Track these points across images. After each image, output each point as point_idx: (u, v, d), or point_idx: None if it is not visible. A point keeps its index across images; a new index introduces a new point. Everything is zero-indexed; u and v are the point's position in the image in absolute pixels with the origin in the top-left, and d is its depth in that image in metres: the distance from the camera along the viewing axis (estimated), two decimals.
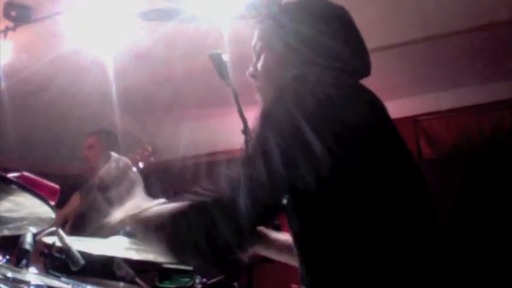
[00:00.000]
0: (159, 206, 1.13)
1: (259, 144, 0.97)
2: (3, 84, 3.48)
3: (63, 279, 1.44)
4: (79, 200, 3.03)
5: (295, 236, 1.06)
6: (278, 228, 1.52)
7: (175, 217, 1.01)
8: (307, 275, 1.01)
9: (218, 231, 0.94)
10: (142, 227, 1.08)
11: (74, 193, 3.08)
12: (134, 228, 1.07)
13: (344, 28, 1.19)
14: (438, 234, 1.03)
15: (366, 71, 1.21)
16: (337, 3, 1.23)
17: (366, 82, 1.19)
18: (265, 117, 1.01)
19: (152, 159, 2.73)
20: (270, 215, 1.04)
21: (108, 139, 3.17)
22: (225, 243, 0.95)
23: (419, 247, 0.96)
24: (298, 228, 1.04)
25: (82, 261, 1.57)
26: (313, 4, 1.22)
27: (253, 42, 1.28)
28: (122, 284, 1.87)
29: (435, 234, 1.02)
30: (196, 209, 0.98)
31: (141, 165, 2.76)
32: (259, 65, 1.25)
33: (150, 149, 2.75)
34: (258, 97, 1.26)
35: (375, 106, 1.08)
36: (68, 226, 2.88)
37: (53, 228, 1.57)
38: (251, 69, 1.28)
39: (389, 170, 0.99)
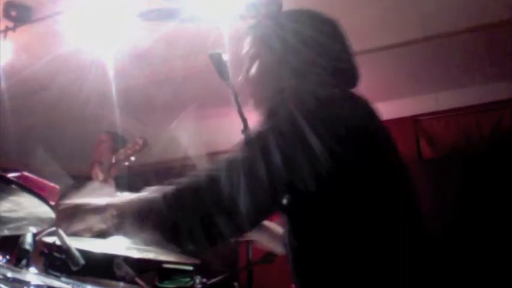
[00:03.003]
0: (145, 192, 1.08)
1: (259, 143, 0.98)
2: (3, 84, 3.48)
3: (63, 279, 1.44)
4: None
5: (289, 236, 1.06)
6: None
7: (170, 201, 0.98)
8: (299, 275, 1.02)
9: (214, 225, 0.93)
10: (130, 213, 1.03)
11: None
12: (119, 217, 1.04)
13: (338, 38, 1.21)
14: (426, 236, 1.04)
15: (355, 82, 1.22)
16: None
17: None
18: (267, 117, 1.01)
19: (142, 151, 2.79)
20: (268, 214, 1.05)
21: (116, 138, 3.21)
22: (221, 236, 0.96)
23: (412, 247, 0.97)
24: (294, 229, 1.03)
25: (82, 261, 1.57)
26: (308, 12, 1.24)
27: (245, 49, 1.29)
28: (121, 284, 1.87)
29: (425, 236, 1.03)
30: (192, 197, 0.97)
31: (132, 158, 2.80)
32: (252, 70, 1.26)
33: (141, 142, 2.78)
34: (251, 102, 1.27)
35: (370, 110, 1.09)
36: None
37: (53, 228, 1.57)
38: (243, 75, 1.29)
39: (384, 172, 1.00)
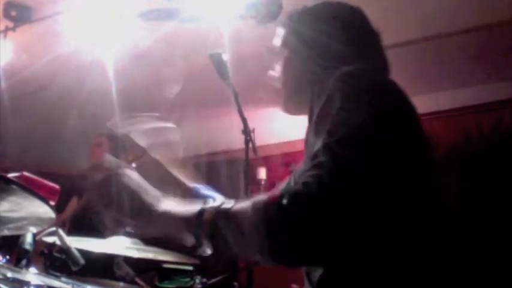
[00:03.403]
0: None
1: None
2: (3, 84, 3.48)
3: (63, 279, 1.44)
4: (76, 203, 3.04)
5: None
6: None
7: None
8: (313, 271, 1.00)
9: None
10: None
11: (72, 197, 3.09)
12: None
13: (364, 30, 1.20)
14: (430, 236, 1.03)
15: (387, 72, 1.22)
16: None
17: None
18: None
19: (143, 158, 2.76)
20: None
21: (116, 142, 3.20)
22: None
23: (418, 249, 0.96)
24: None
25: (82, 261, 1.57)
26: (333, 5, 1.22)
27: (273, 43, 1.27)
28: (121, 284, 1.87)
29: (427, 236, 1.02)
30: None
31: (134, 165, 2.77)
32: (281, 66, 1.24)
33: (141, 148, 2.77)
34: (277, 98, 1.26)
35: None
36: (65, 230, 2.87)
37: (53, 228, 1.57)
38: (272, 71, 1.27)
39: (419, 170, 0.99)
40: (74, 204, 3.05)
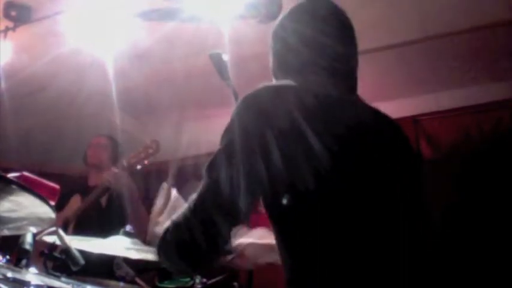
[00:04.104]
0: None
1: (259, 143, 0.98)
2: (3, 84, 3.48)
3: (63, 279, 1.44)
4: (79, 201, 3.02)
5: (282, 242, 1.05)
6: None
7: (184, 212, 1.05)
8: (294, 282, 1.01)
9: (215, 225, 0.95)
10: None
11: (74, 195, 3.07)
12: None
13: (342, 29, 1.20)
14: (430, 236, 1.03)
15: (352, 84, 1.20)
16: (337, 4, 1.23)
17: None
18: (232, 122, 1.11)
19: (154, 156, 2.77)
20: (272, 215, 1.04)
21: (117, 146, 3.20)
22: (221, 237, 0.97)
23: (413, 249, 0.96)
24: (289, 233, 1.03)
25: (82, 261, 1.57)
26: (314, 6, 1.22)
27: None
28: (121, 284, 1.87)
29: (426, 236, 1.03)
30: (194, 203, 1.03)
31: (145, 162, 2.78)
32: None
33: (154, 146, 2.78)
34: None
35: (365, 114, 1.09)
36: (70, 228, 2.86)
37: (53, 228, 1.57)
38: None
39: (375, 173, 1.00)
40: (77, 202, 3.03)
